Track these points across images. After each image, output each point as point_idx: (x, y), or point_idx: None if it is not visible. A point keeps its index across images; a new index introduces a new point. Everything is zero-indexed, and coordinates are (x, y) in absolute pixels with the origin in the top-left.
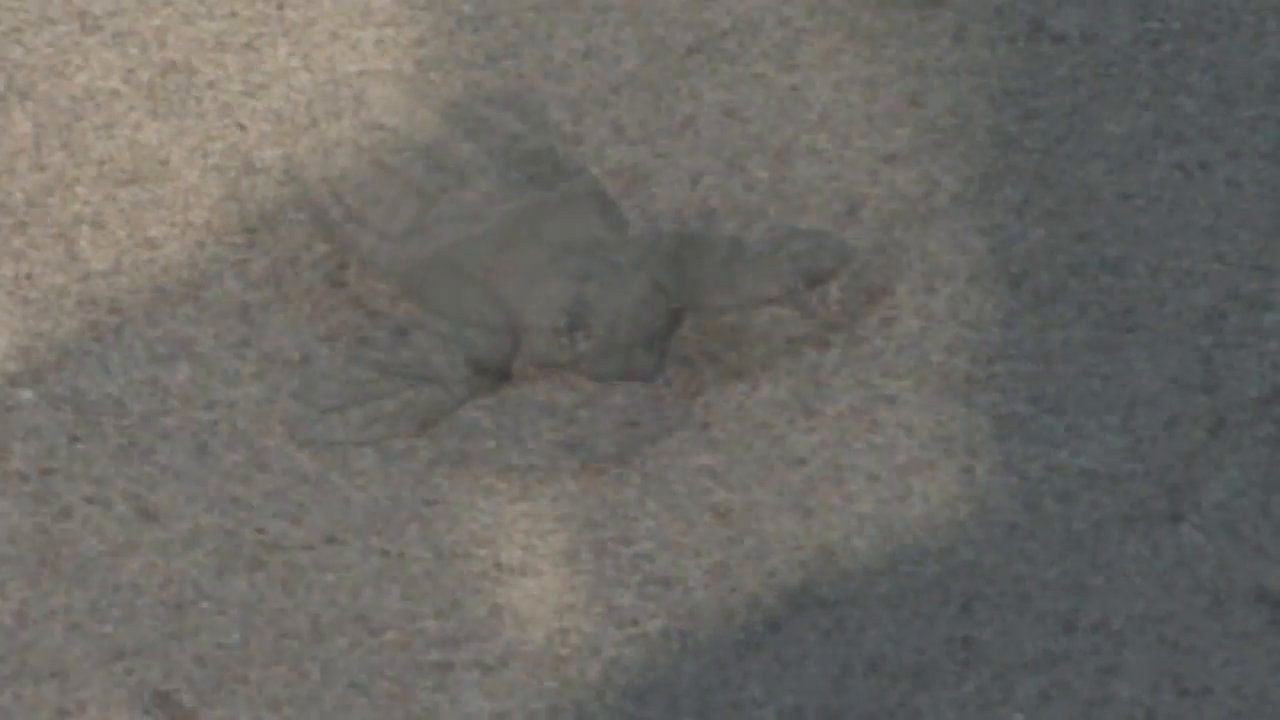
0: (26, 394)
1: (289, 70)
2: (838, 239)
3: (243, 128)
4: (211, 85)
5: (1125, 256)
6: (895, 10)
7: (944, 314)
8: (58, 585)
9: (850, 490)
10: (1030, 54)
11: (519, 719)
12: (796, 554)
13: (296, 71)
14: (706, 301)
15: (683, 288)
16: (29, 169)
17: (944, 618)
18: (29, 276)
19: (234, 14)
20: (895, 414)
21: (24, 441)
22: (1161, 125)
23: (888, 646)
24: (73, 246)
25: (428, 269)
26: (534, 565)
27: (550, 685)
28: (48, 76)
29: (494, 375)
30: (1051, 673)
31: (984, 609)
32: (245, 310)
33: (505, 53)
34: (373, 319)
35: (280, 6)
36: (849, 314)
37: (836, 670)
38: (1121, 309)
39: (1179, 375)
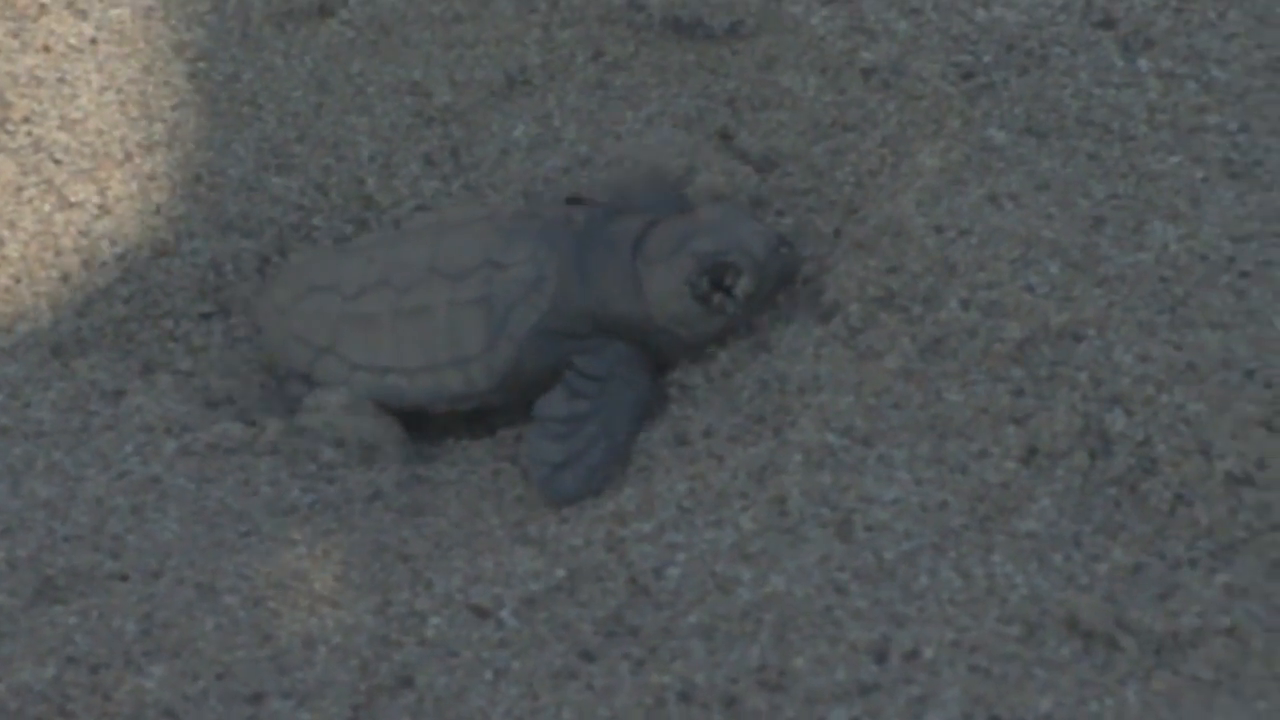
0: None
1: (103, 105)
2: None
3: (58, 162)
4: (26, 119)
5: (936, 288)
6: (706, 43)
7: (754, 345)
8: None
9: (662, 519)
10: (841, 86)
11: None
12: (608, 583)
13: (109, 106)
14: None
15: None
16: None
17: (756, 647)
18: None
19: (47, 49)
20: (707, 444)
21: None
22: (972, 157)
23: (700, 676)
24: None
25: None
26: (347, 595)
27: (364, 715)
28: None
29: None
30: (864, 702)
31: (796, 638)
32: (59, 345)
33: (318, 89)
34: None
35: (93, 41)
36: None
37: (650, 700)
38: (932, 340)
39: (989, 406)
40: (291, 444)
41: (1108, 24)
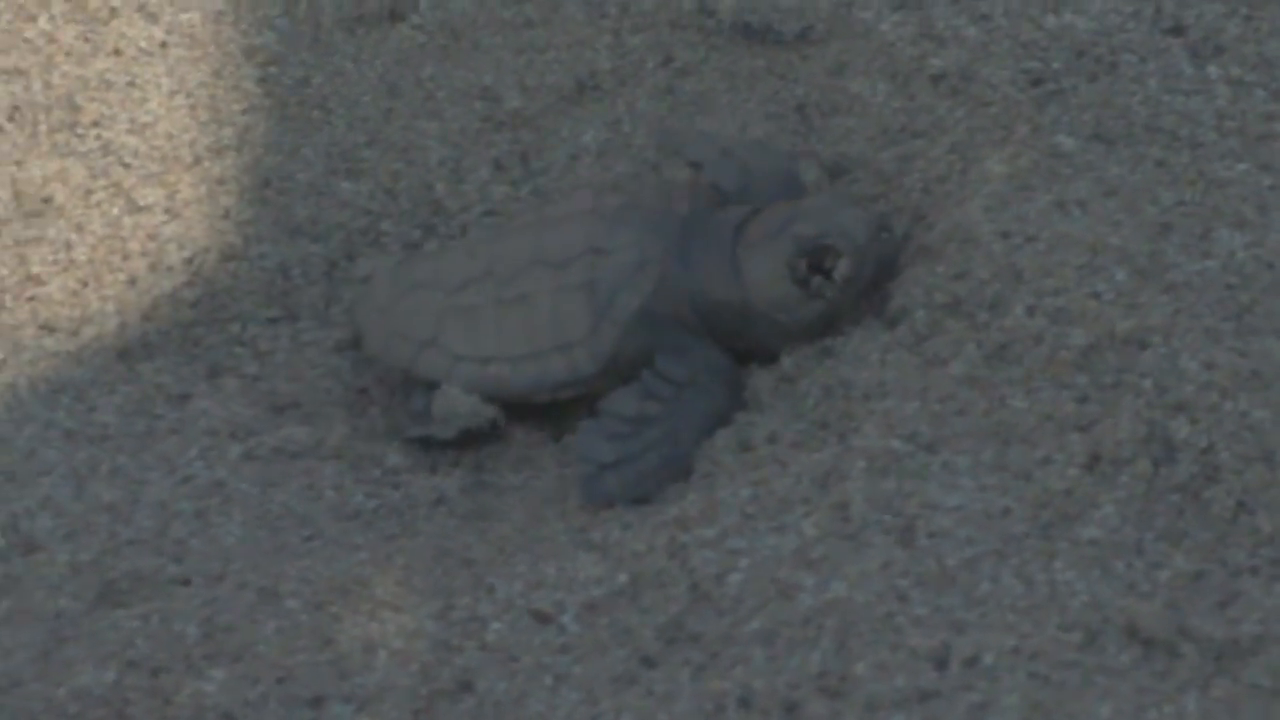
0: None
1: (172, 109)
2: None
3: (126, 165)
4: (96, 124)
5: (1002, 294)
6: (776, 49)
7: (820, 351)
8: None
9: (725, 525)
10: (910, 93)
11: None
12: (670, 589)
13: (179, 110)
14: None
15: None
16: None
17: (817, 653)
18: None
19: (118, 52)
20: (771, 450)
21: None
22: (1040, 163)
23: (760, 682)
24: None
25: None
26: (409, 600)
27: None
28: None
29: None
30: (923, 709)
31: (857, 644)
32: (125, 349)
33: (388, 93)
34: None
35: (163, 45)
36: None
37: (710, 705)
38: (998, 346)
39: (1053, 413)
40: (355, 449)
41: (1177, 31)
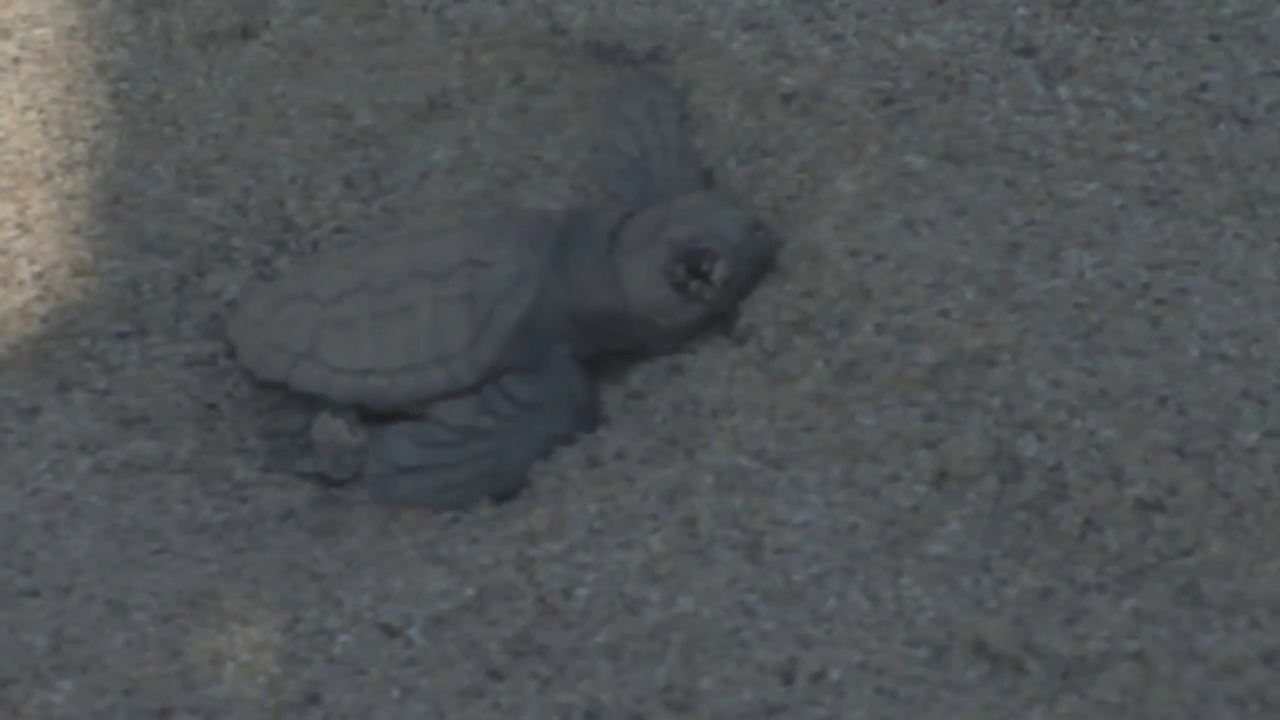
0: None
1: (24, 124)
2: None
3: None
4: None
5: (851, 312)
6: (628, 68)
7: (668, 367)
8: None
9: (573, 540)
10: (761, 111)
11: None
12: (517, 603)
13: (31, 126)
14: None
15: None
16: None
17: (663, 667)
18: None
19: None
20: (619, 466)
21: None
22: (890, 183)
23: (606, 695)
24: None
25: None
26: (257, 613)
27: None
28: None
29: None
30: None
31: (703, 659)
32: None
33: (239, 110)
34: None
35: (16, 61)
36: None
37: (556, 719)
38: (846, 364)
39: (901, 430)
40: (204, 463)
41: (1028, 51)
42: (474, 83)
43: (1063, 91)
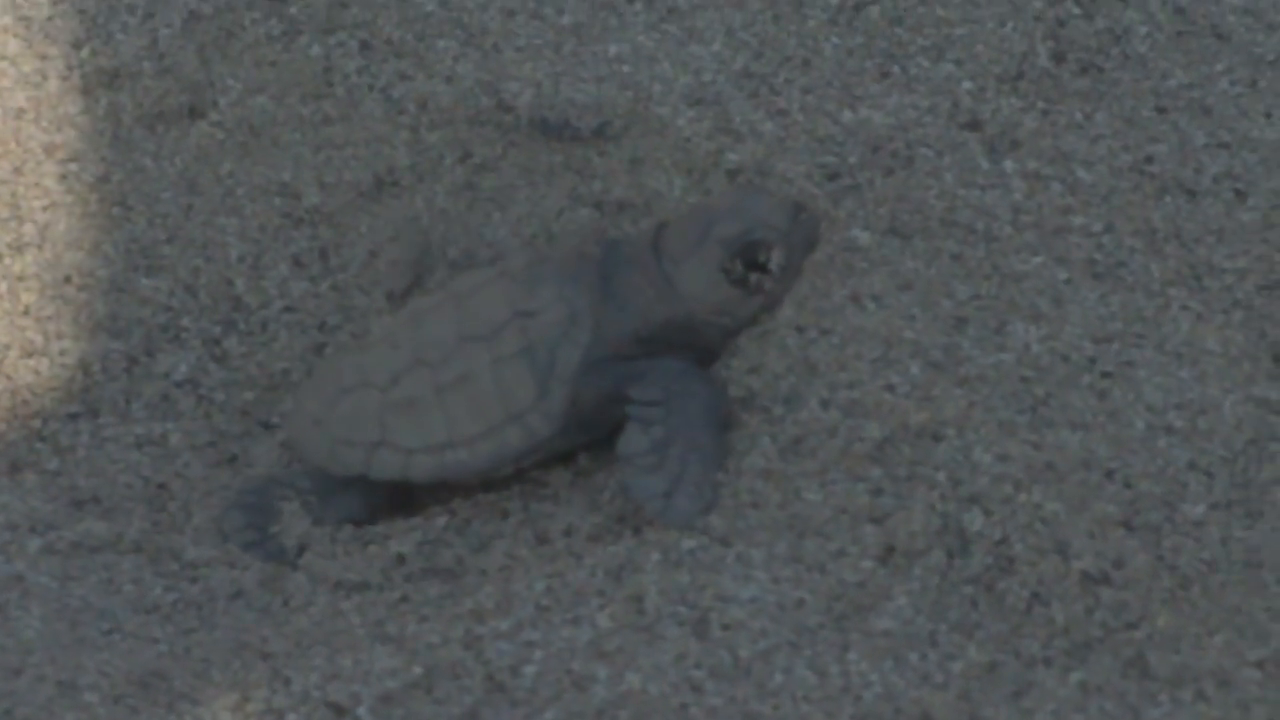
0: None
1: None
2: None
3: None
4: None
5: (797, 388)
6: (573, 145)
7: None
8: None
9: (520, 617)
10: (706, 187)
11: None
12: (465, 680)
13: None
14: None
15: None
16: None
17: None
18: None
19: None
20: (567, 543)
21: None
22: (835, 257)
23: None
24: None
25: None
26: (206, 693)
27: None
28: None
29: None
30: None
31: None
32: None
33: (188, 190)
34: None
35: None
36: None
37: None
38: (792, 440)
39: (848, 505)
40: (154, 543)
41: (974, 125)
42: (421, 161)
43: (1008, 165)
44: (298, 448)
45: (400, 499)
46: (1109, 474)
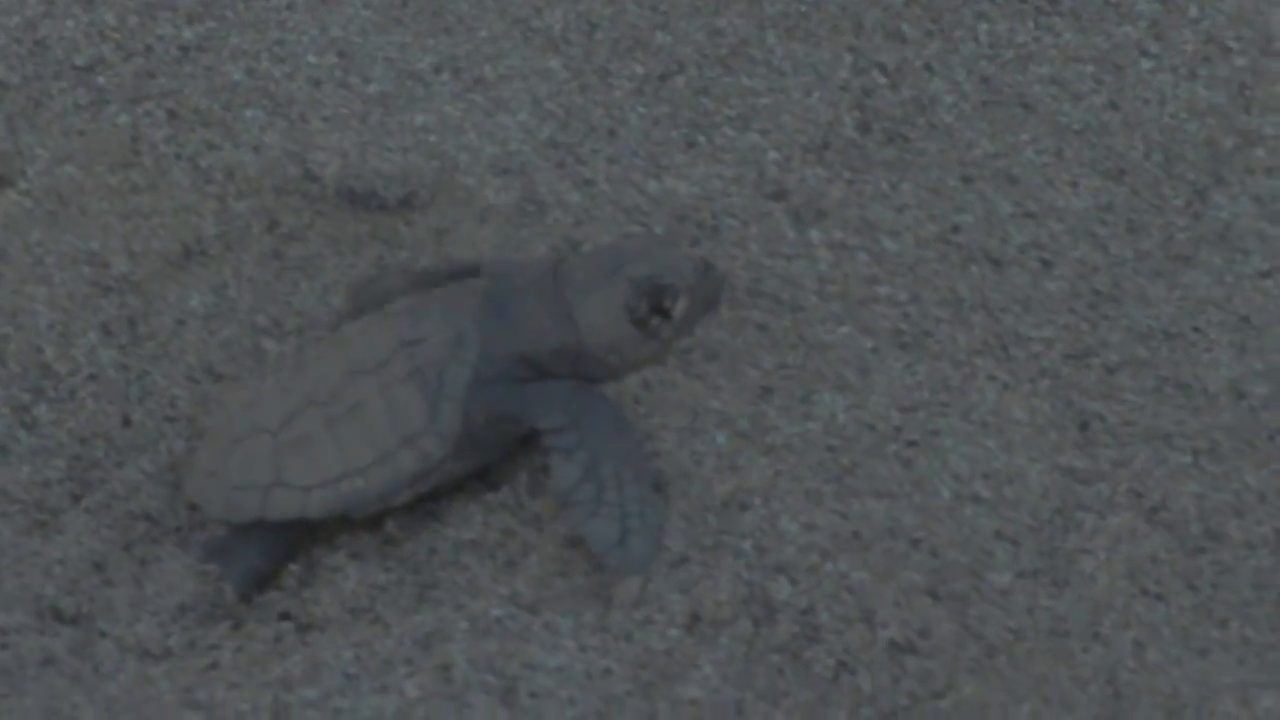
0: None
1: None
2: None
3: None
4: None
5: None
6: (380, 214)
7: (425, 513)
8: None
9: (328, 686)
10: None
11: None
12: None
13: None
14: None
15: None
16: None
17: None
18: None
19: None
20: (374, 612)
21: None
22: None
23: None
24: None
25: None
26: None
27: None
28: None
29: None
30: None
31: None
32: None
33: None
34: None
35: None
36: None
37: None
38: None
39: (654, 574)
40: None
41: (779, 195)
42: (229, 230)
43: (814, 235)
44: (197, 503)
45: (301, 542)
46: (915, 543)
